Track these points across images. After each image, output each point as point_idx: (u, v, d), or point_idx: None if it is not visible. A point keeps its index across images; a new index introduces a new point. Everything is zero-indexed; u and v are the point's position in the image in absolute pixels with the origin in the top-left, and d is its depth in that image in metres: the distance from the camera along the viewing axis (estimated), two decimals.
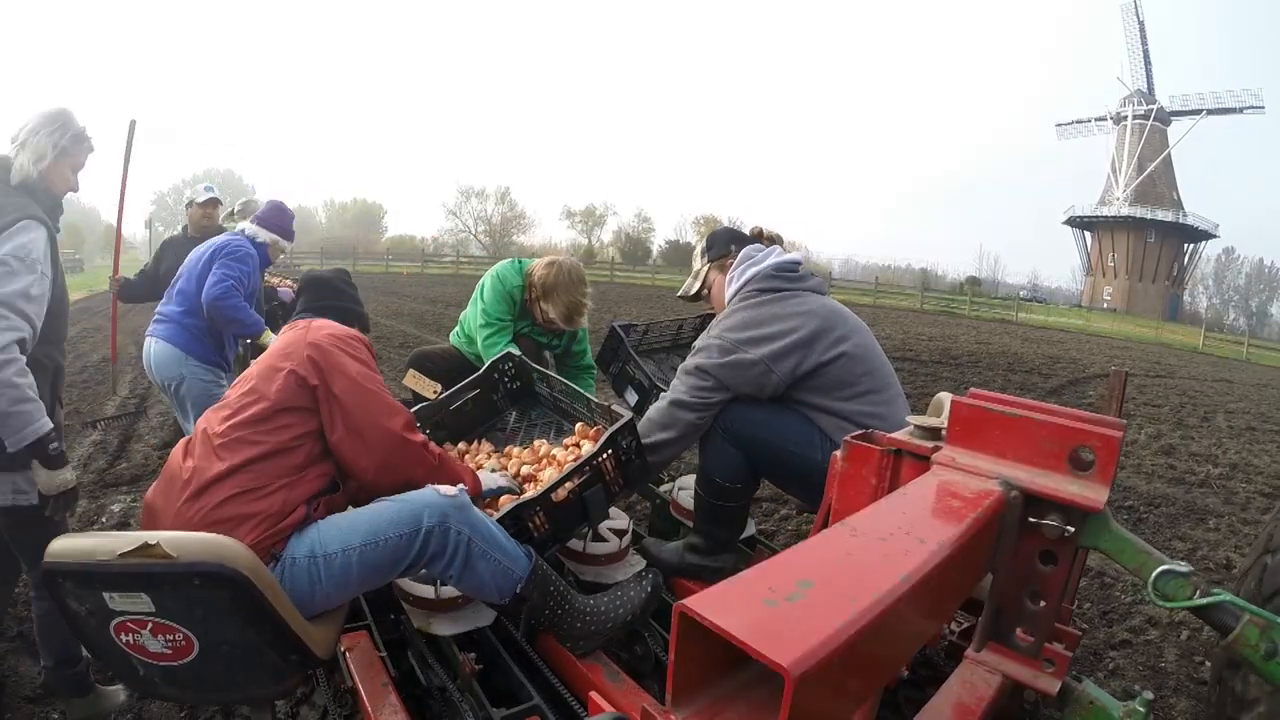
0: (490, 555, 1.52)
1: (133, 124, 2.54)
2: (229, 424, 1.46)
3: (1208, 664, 2.51)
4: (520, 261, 2.87)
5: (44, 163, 1.68)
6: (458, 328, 3.03)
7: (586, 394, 2.16)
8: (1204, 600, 0.90)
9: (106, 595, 1.21)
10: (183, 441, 1.53)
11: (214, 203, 4.08)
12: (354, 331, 1.69)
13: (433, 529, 1.46)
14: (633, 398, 2.59)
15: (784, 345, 1.87)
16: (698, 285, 2.23)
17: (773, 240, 2.22)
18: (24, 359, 1.54)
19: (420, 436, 1.62)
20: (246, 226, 3.24)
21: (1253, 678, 1.25)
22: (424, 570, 1.54)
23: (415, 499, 1.49)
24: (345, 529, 1.44)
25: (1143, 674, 2.46)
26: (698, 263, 2.25)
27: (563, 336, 2.94)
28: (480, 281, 2.88)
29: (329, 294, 1.86)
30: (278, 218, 3.34)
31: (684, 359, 2.86)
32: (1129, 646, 2.64)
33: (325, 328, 1.63)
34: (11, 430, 1.53)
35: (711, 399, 1.91)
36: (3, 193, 1.62)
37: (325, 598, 1.41)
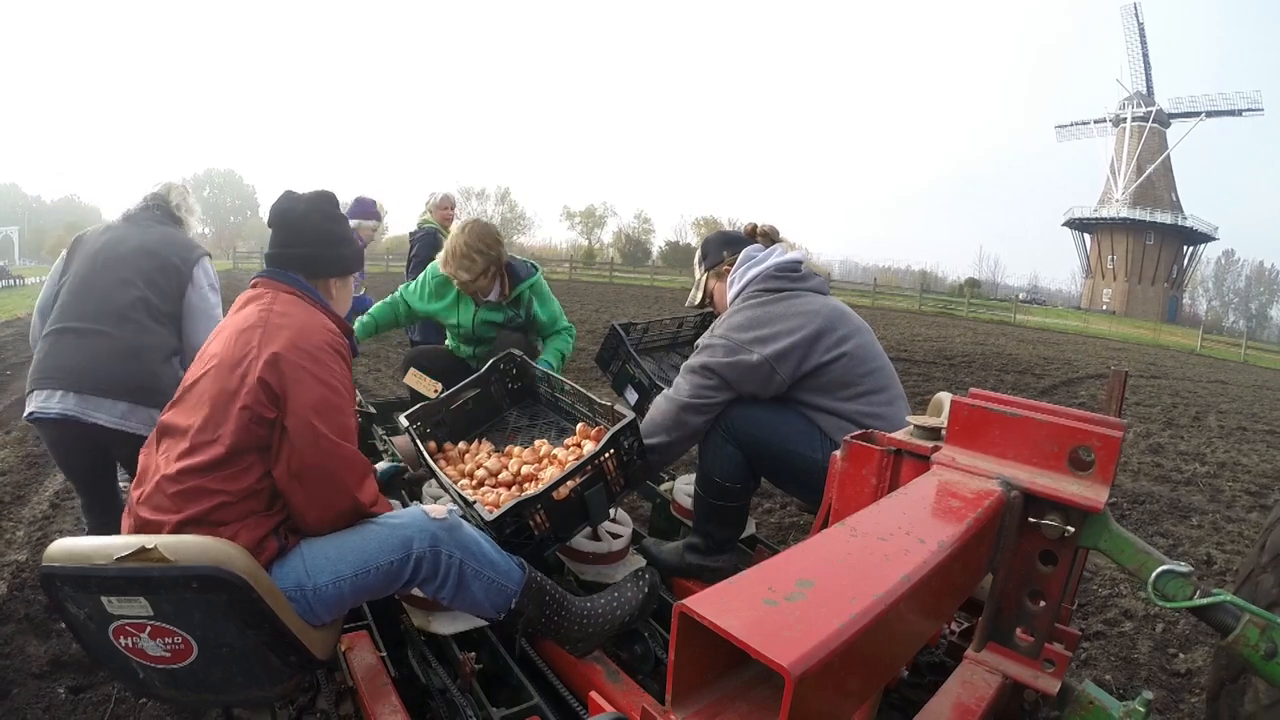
0: (483, 575, 1.49)
1: None
2: (182, 467, 1.30)
3: (1181, 655, 2.57)
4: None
5: (194, 217, 2.49)
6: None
7: (588, 394, 2.16)
8: (1204, 600, 0.90)
9: (104, 599, 1.20)
10: (139, 472, 1.41)
11: None
12: (325, 335, 1.43)
13: (423, 554, 1.42)
14: (633, 396, 2.59)
15: (787, 345, 1.87)
16: (700, 294, 2.26)
17: (768, 236, 2.22)
18: None
19: (371, 493, 1.44)
20: None
21: None
22: (417, 591, 1.51)
23: (404, 523, 1.43)
24: (334, 558, 1.37)
25: (1115, 664, 2.51)
26: (697, 272, 2.27)
27: (519, 306, 2.93)
28: None
29: (298, 239, 1.53)
30: (354, 205, 4.30)
31: (684, 357, 2.86)
32: (1103, 638, 2.68)
33: (286, 329, 1.37)
34: None
35: (715, 398, 1.91)
36: (183, 233, 2.38)
37: (319, 619, 1.39)
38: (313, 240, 1.54)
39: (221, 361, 1.36)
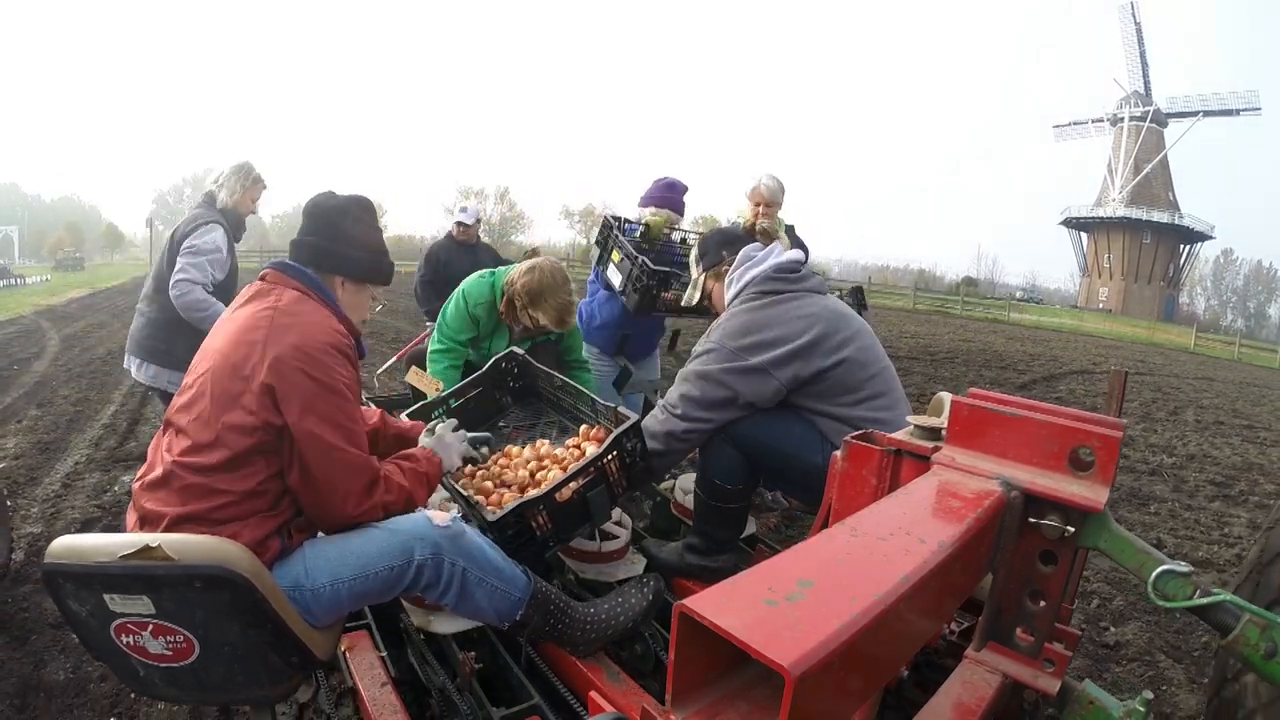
0: (487, 582, 1.49)
1: None
2: (185, 464, 1.31)
3: (1112, 629, 2.69)
4: (493, 273, 2.74)
5: (234, 196, 2.99)
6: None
7: (591, 395, 2.16)
8: (1204, 600, 0.90)
9: (107, 597, 1.20)
10: (147, 462, 1.42)
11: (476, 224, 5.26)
12: (330, 336, 1.39)
13: (425, 561, 1.41)
14: (616, 277, 2.71)
15: (785, 351, 1.84)
16: (697, 294, 2.21)
17: (767, 234, 2.21)
18: (202, 289, 2.79)
19: (379, 494, 1.42)
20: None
21: None
22: (419, 595, 1.50)
23: (407, 529, 1.42)
24: (334, 560, 1.37)
25: None
26: (694, 271, 2.22)
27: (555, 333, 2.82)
28: (452, 295, 2.75)
29: (313, 228, 1.53)
30: (652, 191, 3.08)
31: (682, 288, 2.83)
32: None
33: (291, 331, 1.35)
34: (209, 323, 2.22)
35: (716, 398, 1.88)
36: (207, 210, 2.95)
37: (317, 620, 1.38)
38: (327, 234, 1.53)
39: (223, 360, 1.35)
